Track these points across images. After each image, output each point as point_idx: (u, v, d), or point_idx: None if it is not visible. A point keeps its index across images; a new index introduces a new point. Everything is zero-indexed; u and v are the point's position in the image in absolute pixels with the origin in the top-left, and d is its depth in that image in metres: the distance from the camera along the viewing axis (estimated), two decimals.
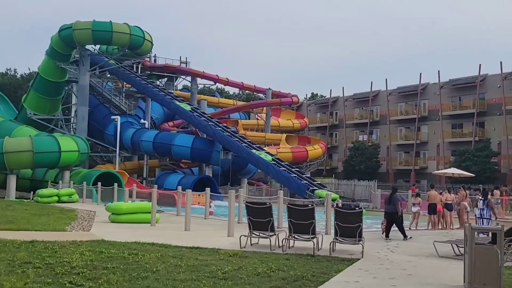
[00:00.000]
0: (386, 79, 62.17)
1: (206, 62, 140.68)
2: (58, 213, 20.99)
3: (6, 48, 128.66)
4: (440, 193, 20.40)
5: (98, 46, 57.24)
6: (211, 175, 44.86)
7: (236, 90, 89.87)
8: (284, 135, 57.31)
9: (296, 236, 11.83)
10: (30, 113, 50.83)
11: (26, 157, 35.42)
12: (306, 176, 37.79)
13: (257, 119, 64.16)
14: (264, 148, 48.03)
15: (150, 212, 19.02)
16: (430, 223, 19.80)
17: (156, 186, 29.27)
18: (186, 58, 62.12)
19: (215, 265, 8.91)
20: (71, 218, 19.05)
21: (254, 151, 40.59)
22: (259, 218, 11.69)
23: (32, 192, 33.21)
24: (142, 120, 51.84)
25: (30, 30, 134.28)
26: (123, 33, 47.47)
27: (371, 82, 64.65)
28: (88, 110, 50.30)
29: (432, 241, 12.98)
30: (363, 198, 33.81)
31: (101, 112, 52.93)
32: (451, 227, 19.98)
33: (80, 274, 7.64)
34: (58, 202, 30.18)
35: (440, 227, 19.86)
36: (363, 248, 11.16)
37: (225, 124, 47.42)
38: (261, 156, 39.57)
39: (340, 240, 11.49)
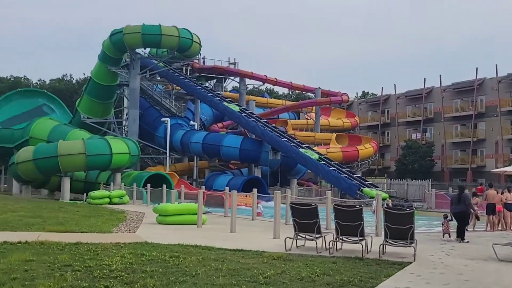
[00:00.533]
0: (440, 75, 60.43)
1: (254, 63, 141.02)
2: (107, 215, 21.17)
3: (62, 54, 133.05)
4: (500, 193, 19.34)
5: (148, 50, 58.27)
6: (260, 176, 44.62)
7: (286, 91, 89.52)
8: (334, 134, 56.47)
9: (343, 238, 11.34)
10: (83, 117, 52.06)
11: (79, 160, 36.17)
12: (357, 176, 36.99)
13: (307, 118, 63.50)
14: (314, 148, 47.45)
15: (196, 214, 18.95)
16: (488, 224, 18.79)
17: (203, 187, 29.29)
18: (235, 59, 62.26)
19: (257, 268, 8.55)
20: (120, 219, 19.14)
21: (302, 150, 40.07)
22: (305, 219, 11.26)
23: (85, 194, 33.84)
24: (191, 122, 52.24)
25: (86, 36, 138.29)
26: (172, 35, 47.94)
27: (424, 79, 62.94)
28: (139, 112, 51.10)
29: (491, 244, 12.21)
30: (416, 198, 32.69)
31: (151, 114, 53.67)
32: (511, 228, 18.91)
33: (118, 277, 7.44)
34: (109, 203, 30.62)
35: (499, 228, 18.83)
36: (415, 251, 10.54)
37: (273, 124, 47.10)
38: (307, 154, 38.99)
39: (390, 243, 10.91)
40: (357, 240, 10.89)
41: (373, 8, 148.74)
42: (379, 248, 10.75)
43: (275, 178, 45.43)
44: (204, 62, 61.15)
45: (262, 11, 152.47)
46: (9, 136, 48.93)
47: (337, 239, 11.15)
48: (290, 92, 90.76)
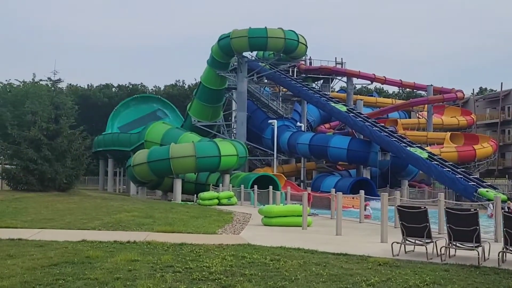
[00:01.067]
0: None
1: (362, 63, 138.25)
2: (215, 216, 21.51)
3: (176, 60, 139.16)
4: None
5: (255, 53, 59.11)
6: (369, 177, 43.45)
7: (395, 89, 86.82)
8: (448, 133, 53.59)
9: (457, 244, 10.51)
10: (194, 120, 53.90)
11: (189, 162, 37.38)
12: (474, 177, 34.74)
13: (418, 117, 60.97)
14: (426, 148, 45.36)
15: (301, 215, 18.69)
16: None
17: (309, 188, 28.99)
18: (342, 59, 61.36)
19: (361, 275, 8.10)
20: (226, 220, 19.36)
21: (411, 149, 38.37)
22: (414, 223, 10.57)
23: (195, 195, 34.86)
24: (298, 123, 52.15)
25: (198, 41, 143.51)
26: (278, 37, 48.16)
27: None
28: (247, 115, 51.92)
29: None
30: None
31: (258, 116, 54.33)
32: None
33: (216, 280, 7.38)
34: (218, 204, 31.24)
35: None
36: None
37: (382, 124, 45.69)
38: (416, 153, 37.28)
39: (511, 250, 9.92)
40: (472, 247, 10.03)
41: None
42: (498, 255, 9.81)
43: (385, 180, 44.04)
44: (310, 63, 60.90)
45: (366, 11, 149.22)
46: (127, 140, 51.90)
47: (450, 245, 10.35)
48: (400, 91, 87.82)
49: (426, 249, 10.39)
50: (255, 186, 31.24)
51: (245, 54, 52.45)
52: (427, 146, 50.92)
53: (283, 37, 48.17)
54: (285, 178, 44.56)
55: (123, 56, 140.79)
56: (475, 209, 9.89)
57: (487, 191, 31.18)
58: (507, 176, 52.63)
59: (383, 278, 7.88)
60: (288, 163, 57.08)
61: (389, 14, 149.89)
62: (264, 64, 53.79)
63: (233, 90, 56.79)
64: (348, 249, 11.38)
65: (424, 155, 37.77)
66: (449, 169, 35.50)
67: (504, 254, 9.97)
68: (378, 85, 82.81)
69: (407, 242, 10.84)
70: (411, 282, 7.63)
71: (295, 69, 57.82)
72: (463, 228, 10.05)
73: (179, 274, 7.73)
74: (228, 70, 54.22)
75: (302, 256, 9.92)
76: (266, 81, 59.61)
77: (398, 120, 58.19)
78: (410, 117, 65.22)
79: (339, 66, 59.33)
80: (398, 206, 10.79)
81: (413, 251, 11.18)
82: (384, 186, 43.26)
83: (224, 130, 57.81)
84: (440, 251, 10.27)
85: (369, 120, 44.33)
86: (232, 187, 35.19)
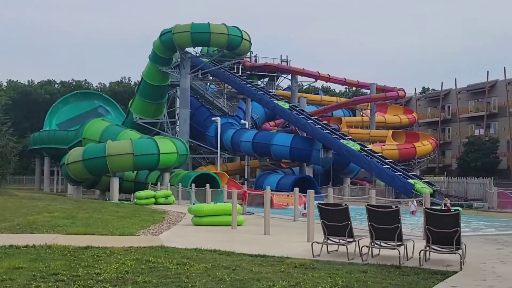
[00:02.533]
0: (504, 68, 56.80)
1: (308, 61, 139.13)
2: (146, 215, 20.55)
3: (122, 57, 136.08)
4: None
5: (200, 49, 58.05)
6: (311, 175, 43.23)
7: (343, 89, 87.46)
8: (391, 131, 54.15)
9: (380, 243, 10.02)
10: (136, 118, 52.42)
11: (127, 160, 36.08)
12: (412, 174, 34.98)
13: (362, 116, 61.45)
14: (368, 146, 45.57)
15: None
16: None
17: (245, 186, 28.33)
18: (287, 56, 61.02)
19: (269, 279, 7.41)
20: (156, 220, 18.45)
21: (343, 142, 38.66)
22: (335, 221, 10.00)
23: (133, 194, 33.69)
24: (242, 121, 51.47)
25: (146, 37, 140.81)
26: (221, 33, 47.33)
27: (487, 72, 59.39)
28: (190, 112, 50.87)
29: None
30: (477, 197, 30.43)
31: (202, 114, 53.35)
32: None
33: None
34: (155, 204, 30.23)
35: None
36: (461, 258, 9.08)
37: (325, 122, 45.64)
38: (349, 146, 37.77)
39: (433, 249, 9.50)
40: (394, 245, 9.54)
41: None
42: (419, 254, 9.34)
43: (328, 177, 43.96)
44: (256, 61, 60.31)
45: (313, 9, 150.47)
46: (64, 137, 49.90)
47: (372, 244, 9.83)
48: (347, 90, 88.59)
49: (347, 249, 9.83)
50: (193, 185, 30.37)
51: (188, 50, 51.37)
52: (370, 144, 51.31)
53: (226, 33, 47.39)
54: (228, 176, 43.76)
55: (67, 52, 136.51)
56: (396, 206, 9.39)
57: (423, 188, 31.50)
58: (445, 173, 53.60)
59: (292, 282, 7.22)
60: (233, 161, 56.40)
61: (341, 14, 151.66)
62: (207, 60, 52.83)
63: (177, 87, 55.54)
64: (269, 249, 10.74)
65: (356, 147, 38.10)
66: (389, 167, 35.63)
67: (426, 253, 9.54)
68: (327, 84, 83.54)
69: (330, 241, 10.27)
70: (320, 287, 6.99)
71: (240, 66, 57.16)
72: (385, 226, 9.55)
73: (59, 284, 6.82)
74: (171, 66, 52.98)
75: (214, 259, 9.17)
76: (211, 78, 58.68)
77: (342, 118, 58.47)
78: (355, 116, 65.73)
79: (284, 64, 58.98)
80: (318, 203, 10.20)
81: (337, 251, 10.63)
82: (327, 184, 43.19)
83: (168, 128, 56.54)
84: (361, 251, 9.73)
85: (312, 117, 44.13)
86: (171, 185, 34.17)
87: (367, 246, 9.78)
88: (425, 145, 51.12)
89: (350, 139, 40.92)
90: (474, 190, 30.95)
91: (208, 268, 8.14)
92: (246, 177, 50.44)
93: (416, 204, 25.33)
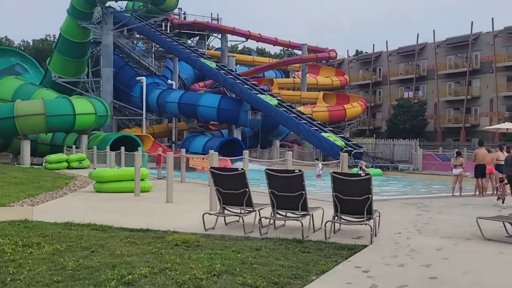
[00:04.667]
0: (433, 30, 57.07)
1: (242, 21, 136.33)
2: (47, 182, 18.58)
3: (47, 13, 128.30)
4: (490, 152, 16.66)
5: (125, 5, 54.65)
6: (240, 138, 41.87)
7: (278, 51, 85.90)
8: (321, 93, 53.47)
9: (285, 214, 8.71)
10: (55, 76, 48.98)
11: (38, 121, 33.35)
12: (340, 136, 34.23)
13: (294, 77, 60.41)
14: (299, 108, 44.64)
15: (140, 180, 16.34)
16: (477, 189, 16.17)
17: (172, 149, 26.74)
18: (218, 14, 58.70)
19: (129, 264, 5.88)
20: (56, 187, 16.59)
21: (261, 96, 38.00)
22: (231, 189, 8.56)
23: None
24: (169, 81, 49.10)
25: None
26: None
27: (417, 34, 59.85)
28: (114, 71, 48.00)
29: (477, 214, 9.66)
30: (403, 159, 30.07)
31: (127, 73, 50.54)
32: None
33: None
34: (68, 168, 28.10)
35: (495, 192, 16.29)
36: (371, 230, 7.89)
37: (255, 82, 44.16)
38: (266, 100, 37.27)
39: (342, 219, 8.27)
40: (298, 216, 8.22)
41: None
42: (324, 226, 8.06)
43: (257, 140, 42.80)
44: (185, 18, 57.61)
45: None
46: None
47: (273, 214, 8.49)
48: (282, 52, 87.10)
49: (243, 221, 8.42)
50: (107, 147, 28.31)
51: (111, 4, 48.07)
52: (301, 106, 50.43)
53: None
54: (153, 139, 41.72)
55: None
56: (299, 171, 8.03)
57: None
58: (374, 135, 53.73)
59: (156, 269, 5.71)
60: (161, 123, 54.19)
61: None
62: (132, 16, 49.72)
63: (101, 45, 52.19)
64: (158, 222, 9.23)
65: (274, 102, 37.33)
66: (317, 128, 34.75)
67: (333, 224, 8.29)
68: (262, 46, 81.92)
69: (226, 212, 8.84)
70: (188, 275, 5.51)
71: (169, 24, 54.40)
72: (287, 194, 8.19)
73: None
74: (93, 22, 49.61)
75: (79, 237, 7.52)
76: (138, 36, 55.62)
77: (274, 79, 57.23)
78: (289, 78, 64.61)
79: (215, 22, 56.64)
80: (211, 168, 8.70)
81: (237, 221, 9.21)
82: (256, 147, 42.07)
83: (90, 88, 53.35)
84: (260, 223, 8.35)
85: (240, 77, 42.51)
86: (86, 149, 31.91)
87: (266, 218, 8.41)
88: (355, 107, 50.82)
89: (270, 94, 40.01)
90: (400, 152, 30.58)
91: (60, 251, 6.50)
92: (174, 140, 48.51)
93: (321, 167, 24.47)
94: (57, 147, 37.49)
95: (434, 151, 31.90)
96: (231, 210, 8.91)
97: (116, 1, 47.86)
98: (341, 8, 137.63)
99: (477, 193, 16.10)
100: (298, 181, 8.04)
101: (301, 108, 45.23)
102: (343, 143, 32.37)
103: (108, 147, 28.18)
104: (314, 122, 36.02)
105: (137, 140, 35.19)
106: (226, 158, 25.12)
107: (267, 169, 8.25)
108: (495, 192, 16.33)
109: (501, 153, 16.37)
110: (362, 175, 8.26)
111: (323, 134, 33.46)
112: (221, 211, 8.81)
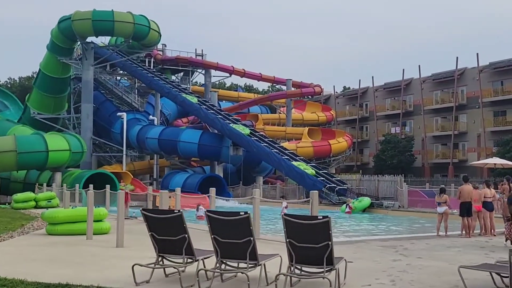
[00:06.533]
0: (419, 66, 56.68)
1: (227, 58, 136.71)
2: (0, 223, 17.13)
3: (35, 51, 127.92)
4: (477, 188, 15.45)
5: (107, 41, 53.98)
6: (222, 174, 40.52)
7: (266, 87, 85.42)
8: (306, 128, 52.54)
9: (238, 264, 7.39)
10: (34, 113, 47.92)
11: (9, 158, 31.95)
12: (323, 172, 33.03)
13: (279, 113, 59.55)
14: (283, 143, 43.62)
15: (98, 220, 14.99)
16: (464, 228, 14.91)
17: (153, 187, 25.47)
18: (202, 50, 58.02)
19: None
20: (9, 229, 15.27)
21: (233, 126, 37.66)
22: (167, 235, 7.24)
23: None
24: (151, 117, 47.97)
25: None
26: (126, 22, 43.75)
27: (403, 70, 59.19)
28: (94, 107, 46.93)
29: (462, 257, 8.40)
30: (388, 195, 28.83)
31: (107, 109, 49.47)
32: (492, 233, 15.06)
33: None
34: (35, 207, 26.60)
35: (483, 232, 15.07)
36: (330, 285, 6.58)
37: (238, 118, 43.17)
38: (238, 130, 37.03)
39: (299, 270, 6.97)
40: (246, 267, 6.91)
41: (348, 2, 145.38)
42: (275, 278, 6.75)
43: (239, 176, 41.52)
44: (166, 53, 56.90)
45: (234, 7, 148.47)
46: None
47: (218, 264, 7.16)
48: (270, 88, 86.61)
49: (179, 273, 7.06)
50: (77, 185, 26.89)
51: (93, 39, 47.34)
52: (286, 142, 49.41)
53: (132, 21, 43.88)
54: (132, 176, 40.29)
55: None
56: (245, 213, 6.75)
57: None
58: (361, 171, 52.63)
59: None
60: (143, 159, 52.84)
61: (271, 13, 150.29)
62: (113, 51, 48.94)
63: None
64: (88, 273, 7.93)
65: (246, 131, 36.60)
66: (288, 158, 33.71)
67: (286, 277, 6.96)
68: (248, 82, 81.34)
69: (162, 262, 7.50)
70: None
71: (152, 60, 53.71)
72: (233, 241, 6.89)
73: None
74: (74, 57, 48.81)
75: None
76: (121, 72, 54.80)
77: (259, 115, 56.32)
78: (275, 113, 63.74)
79: (199, 58, 55.95)
80: (142, 210, 7.40)
81: (183, 271, 7.84)
82: (238, 183, 40.76)
83: (72, 124, 52.13)
84: (197, 276, 7.00)
85: (222, 113, 41.51)
86: (56, 187, 30.43)
87: (209, 270, 7.07)
88: (340, 142, 49.80)
89: (234, 119, 39.66)
90: (386, 188, 29.38)
91: None
92: (155, 176, 47.06)
93: (285, 205, 23.15)
94: (30, 185, 35.97)
95: (421, 187, 30.73)
96: (170, 259, 7.57)
97: (97, 37, 47.14)
98: (327, 44, 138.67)
99: (464, 233, 14.84)
100: (244, 224, 6.76)
101: (285, 144, 44.18)
102: (313, 171, 31.67)
103: (77, 186, 26.72)
104: (286, 152, 35.21)
105: (113, 177, 33.77)
106: (204, 195, 23.79)
107: (207, 211, 6.95)
108: (483, 231, 15.13)
109: (488, 189, 15.22)
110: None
111: (293, 162, 32.65)
112: (157, 261, 7.46)
